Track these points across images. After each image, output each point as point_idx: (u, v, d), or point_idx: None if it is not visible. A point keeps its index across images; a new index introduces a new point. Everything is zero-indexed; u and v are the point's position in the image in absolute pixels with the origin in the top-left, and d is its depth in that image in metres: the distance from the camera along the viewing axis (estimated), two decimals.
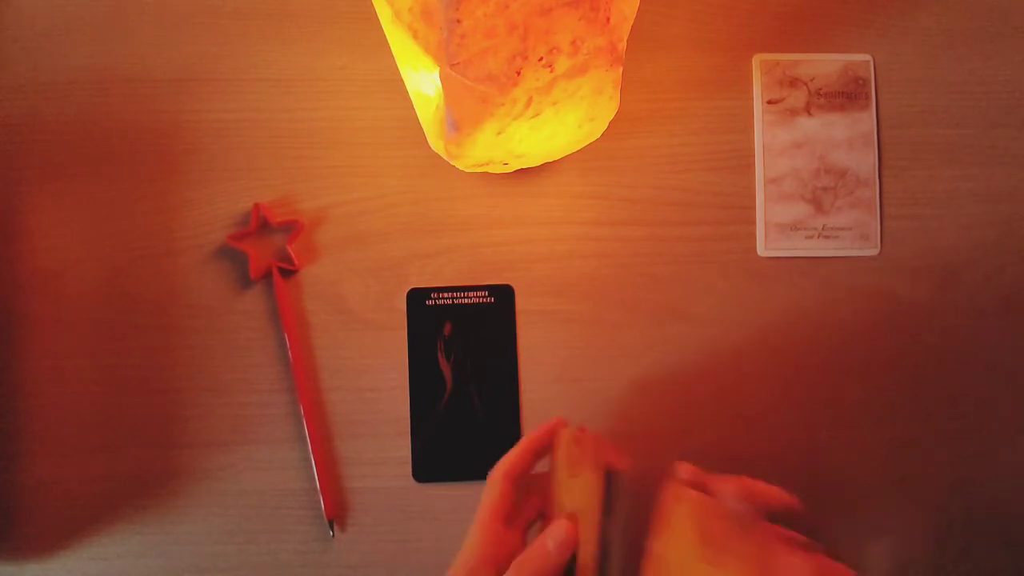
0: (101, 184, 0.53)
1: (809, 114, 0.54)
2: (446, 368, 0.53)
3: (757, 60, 0.55)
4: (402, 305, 0.53)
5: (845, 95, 0.54)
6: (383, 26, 0.46)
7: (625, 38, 0.44)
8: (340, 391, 0.53)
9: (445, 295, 0.53)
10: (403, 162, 0.54)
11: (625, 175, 0.54)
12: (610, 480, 0.43)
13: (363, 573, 0.52)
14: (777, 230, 0.54)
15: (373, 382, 0.53)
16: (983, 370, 0.53)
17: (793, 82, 0.54)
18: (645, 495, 0.43)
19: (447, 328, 0.53)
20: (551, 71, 0.42)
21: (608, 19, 0.43)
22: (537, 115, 0.44)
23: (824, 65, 0.55)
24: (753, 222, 0.54)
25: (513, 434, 0.52)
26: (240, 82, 0.54)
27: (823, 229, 0.54)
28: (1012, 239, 0.54)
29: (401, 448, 0.52)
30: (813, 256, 0.54)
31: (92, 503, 0.51)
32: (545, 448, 0.45)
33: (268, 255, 0.53)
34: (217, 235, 0.53)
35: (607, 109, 0.47)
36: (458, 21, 0.41)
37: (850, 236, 0.54)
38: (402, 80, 0.49)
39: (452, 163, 0.47)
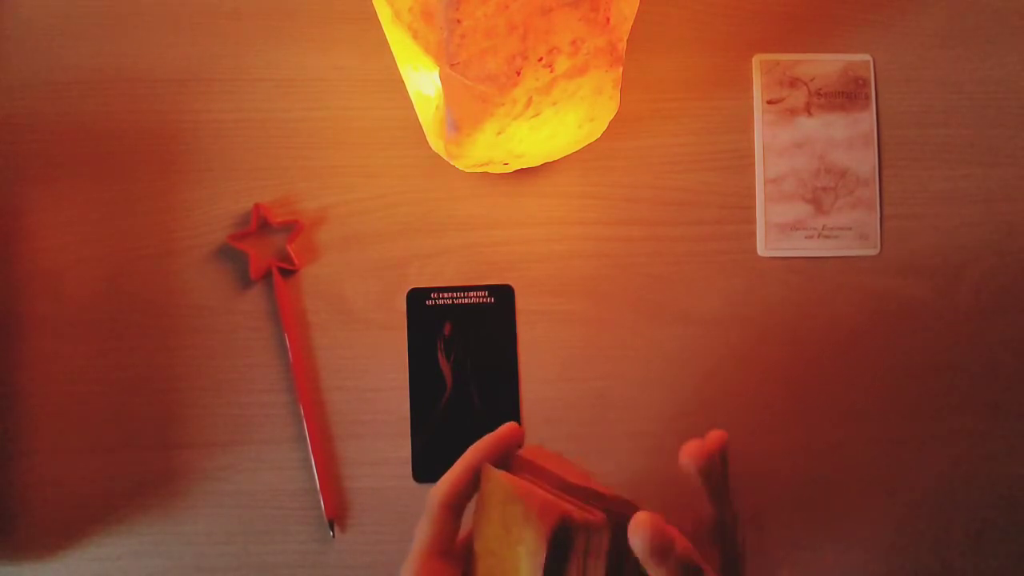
0: (101, 184, 0.53)
1: (809, 114, 0.54)
2: (446, 368, 0.53)
3: (757, 60, 0.55)
4: (402, 305, 0.53)
5: (845, 95, 0.54)
6: (383, 26, 0.46)
7: (625, 38, 0.44)
8: (340, 391, 0.53)
9: (445, 295, 0.53)
10: (403, 162, 0.54)
11: (625, 175, 0.54)
12: (562, 537, 0.34)
13: (363, 573, 0.52)
14: (777, 230, 0.54)
15: (373, 382, 0.53)
16: (983, 370, 0.53)
17: (793, 82, 0.55)
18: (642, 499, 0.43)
19: (447, 328, 0.53)
20: (551, 71, 0.42)
21: (608, 19, 0.43)
22: (537, 115, 0.44)
23: (824, 65, 0.55)
24: (753, 222, 0.54)
25: None
26: (240, 82, 0.54)
27: (823, 229, 0.54)
28: (1012, 239, 0.54)
29: (401, 448, 0.52)
30: (813, 256, 0.54)
31: (92, 503, 0.51)
32: (497, 462, 0.38)
33: (268, 255, 0.53)
34: (217, 235, 0.53)
35: (607, 109, 0.47)
36: (458, 21, 0.41)
37: (850, 236, 0.54)
38: (402, 80, 0.49)
39: (452, 163, 0.47)
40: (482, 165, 0.48)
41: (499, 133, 0.44)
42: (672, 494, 0.52)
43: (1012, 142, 0.55)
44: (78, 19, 0.54)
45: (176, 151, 0.54)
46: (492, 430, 0.39)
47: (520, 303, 0.53)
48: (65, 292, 0.52)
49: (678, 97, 0.55)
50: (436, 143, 0.47)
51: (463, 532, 0.39)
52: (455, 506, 0.37)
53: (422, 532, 0.37)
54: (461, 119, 0.43)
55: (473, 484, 0.37)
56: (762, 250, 0.54)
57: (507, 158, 0.48)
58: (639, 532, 0.33)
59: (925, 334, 0.54)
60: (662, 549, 0.33)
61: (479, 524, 0.36)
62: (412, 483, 0.52)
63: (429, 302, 0.53)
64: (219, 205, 0.53)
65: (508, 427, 0.39)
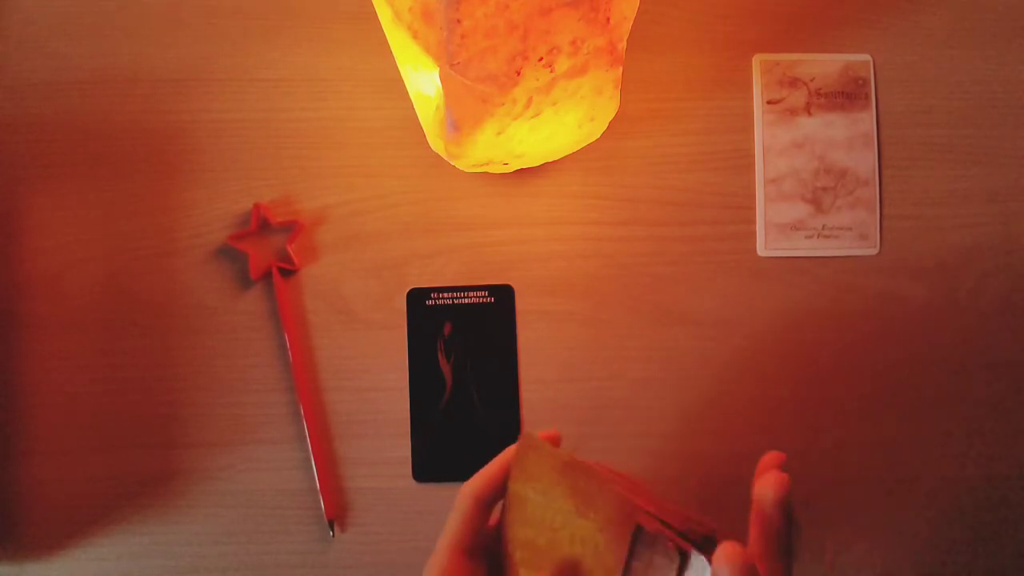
0: (101, 184, 0.53)
1: (809, 114, 0.54)
2: (446, 368, 0.53)
3: (757, 60, 0.55)
4: (402, 305, 0.53)
5: (845, 95, 0.54)
6: (383, 26, 0.46)
7: (625, 38, 0.44)
8: (340, 391, 0.53)
9: (445, 295, 0.53)
10: (403, 162, 0.54)
11: (625, 175, 0.54)
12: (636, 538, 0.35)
13: (363, 573, 0.52)
14: (777, 230, 0.54)
15: (373, 382, 0.53)
16: (983, 370, 0.53)
17: (793, 82, 0.55)
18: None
19: (447, 328, 0.53)
20: (551, 71, 0.42)
21: (608, 19, 0.43)
22: (537, 115, 0.44)
23: (824, 65, 0.55)
24: (753, 222, 0.54)
25: (513, 434, 0.52)
26: (240, 82, 0.54)
27: (823, 229, 0.54)
28: (1012, 239, 0.54)
29: (401, 448, 0.52)
30: (813, 256, 0.54)
31: (92, 503, 0.51)
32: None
33: (268, 255, 0.53)
34: (217, 235, 0.53)
35: (607, 109, 0.47)
36: (458, 21, 0.41)
37: (850, 236, 0.54)
38: (402, 80, 0.49)
39: (452, 163, 0.47)
40: (482, 165, 0.48)
41: (499, 133, 0.44)
42: (672, 495, 0.52)
43: (1012, 142, 0.55)
44: (78, 19, 0.54)
45: (176, 151, 0.54)
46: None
47: (520, 303, 0.53)
48: (65, 292, 0.52)
49: (678, 97, 0.55)
50: (436, 143, 0.47)
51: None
52: (486, 502, 0.37)
53: (449, 528, 0.36)
54: (461, 119, 0.43)
55: (505, 483, 0.37)
56: (762, 250, 0.54)
57: (507, 158, 0.48)
58: (728, 564, 0.32)
59: (925, 334, 0.54)
60: None
61: (517, 498, 0.36)
62: (412, 483, 0.52)
63: (429, 302, 0.53)
64: (219, 205, 0.53)
65: (549, 432, 0.39)
